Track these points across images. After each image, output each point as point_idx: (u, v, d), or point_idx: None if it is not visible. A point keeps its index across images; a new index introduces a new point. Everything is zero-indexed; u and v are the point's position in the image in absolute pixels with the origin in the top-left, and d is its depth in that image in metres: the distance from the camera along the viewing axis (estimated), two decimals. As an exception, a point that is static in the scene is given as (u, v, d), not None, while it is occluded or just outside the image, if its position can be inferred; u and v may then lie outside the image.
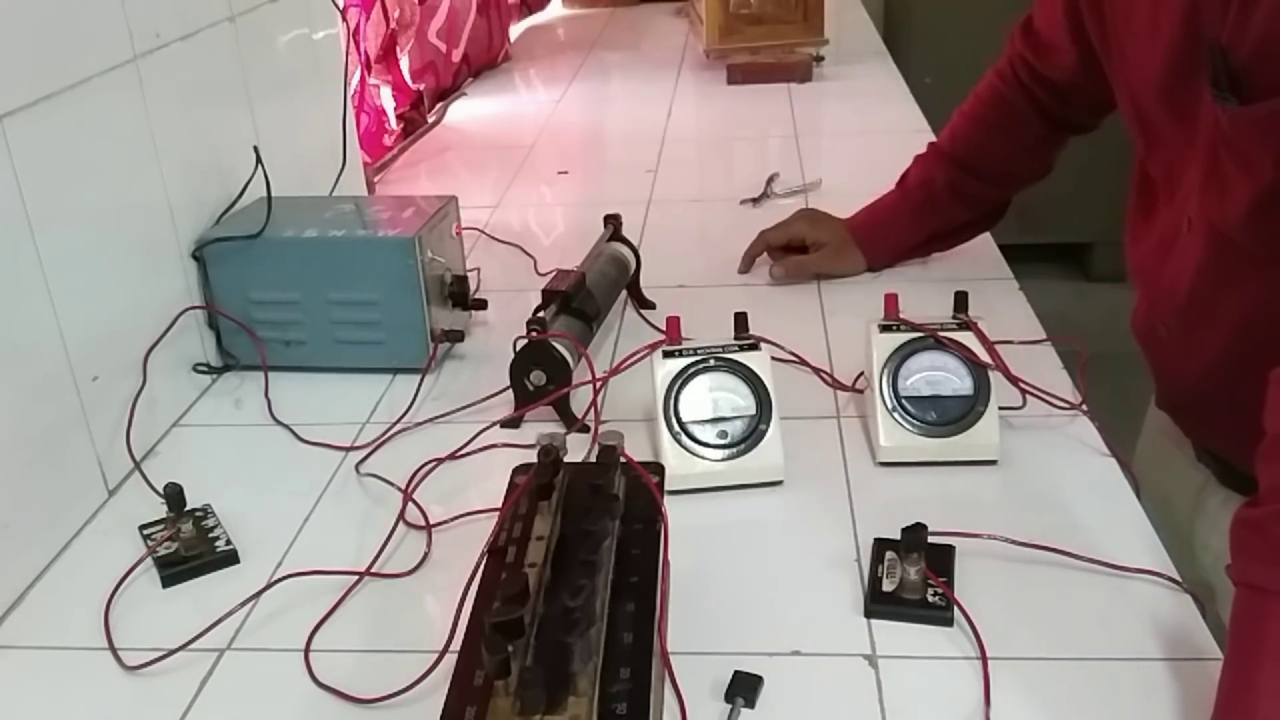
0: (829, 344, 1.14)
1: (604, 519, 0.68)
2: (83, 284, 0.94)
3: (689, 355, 0.94)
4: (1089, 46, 1.03)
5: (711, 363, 0.93)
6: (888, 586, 0.78)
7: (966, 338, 0.94)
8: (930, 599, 0.77)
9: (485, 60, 2.45)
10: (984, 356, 0.93)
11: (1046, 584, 0.79)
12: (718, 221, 1.54)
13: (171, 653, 0.77)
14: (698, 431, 0.92)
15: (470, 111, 2.18)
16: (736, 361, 0.93)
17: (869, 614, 0.77)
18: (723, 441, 0.92)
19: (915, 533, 0.77)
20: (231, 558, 0.87)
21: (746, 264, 1.33)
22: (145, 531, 0.90)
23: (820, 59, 2.22)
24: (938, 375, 0.94)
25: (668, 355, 0.94)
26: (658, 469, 0.78)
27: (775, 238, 1.32)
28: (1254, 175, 0.82)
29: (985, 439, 0.92)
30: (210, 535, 0.89)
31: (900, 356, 0.94)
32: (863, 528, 0.86)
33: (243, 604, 0.82)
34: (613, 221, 1.24)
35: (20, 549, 0.86)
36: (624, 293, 1.24)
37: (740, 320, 0.96)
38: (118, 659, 0.78)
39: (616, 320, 1.22)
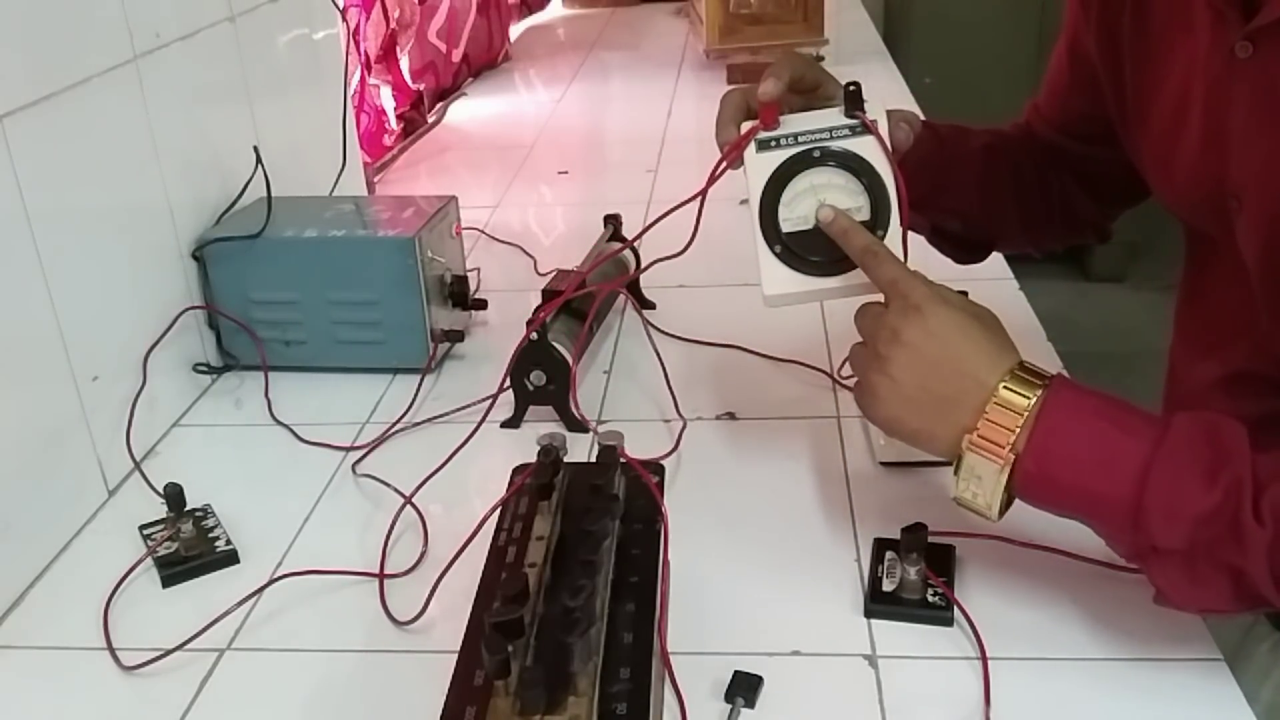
0: (829, 344, 1.14)
1: (604, 519, 0.68)
2: (83, 284, 0.94)
3: (790, 145, 0.77)
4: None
5: (817, 154, 0.77)
6: (888, 586, 0.78)
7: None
8: (930, 599, 0.77)
9: (485, 60, 2.45)
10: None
11: (1046, 584, 0.79)
12: (718, 221, 1.54)
13: (170, 652, 0.77)
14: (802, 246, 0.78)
15: (470, 111, 2.18)
16: (847, 152, 0.76)
17: (869, 614, 0.77)
18: (833, 256, 0.77)
19: (915, 533, 0.77)
20: (231, 558, 0.87)
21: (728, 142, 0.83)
22: (145, 531, 0.90)
23: (820, 59, 2.20)
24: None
25: (764, 147, 0.78)
26: (658, 469, 0.78)
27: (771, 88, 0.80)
28: None
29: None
30: (210, 535, 0.89)
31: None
32: (863, 528, 0.86)
33: (242, 604, 0.82)
34: (613, 221, 1.24)
35: (20, 549, 0.86)
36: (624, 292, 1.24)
37: (853, 95, 0.77)
38: (117, 659, 0.78)
39: (617, 320, 1.22)
